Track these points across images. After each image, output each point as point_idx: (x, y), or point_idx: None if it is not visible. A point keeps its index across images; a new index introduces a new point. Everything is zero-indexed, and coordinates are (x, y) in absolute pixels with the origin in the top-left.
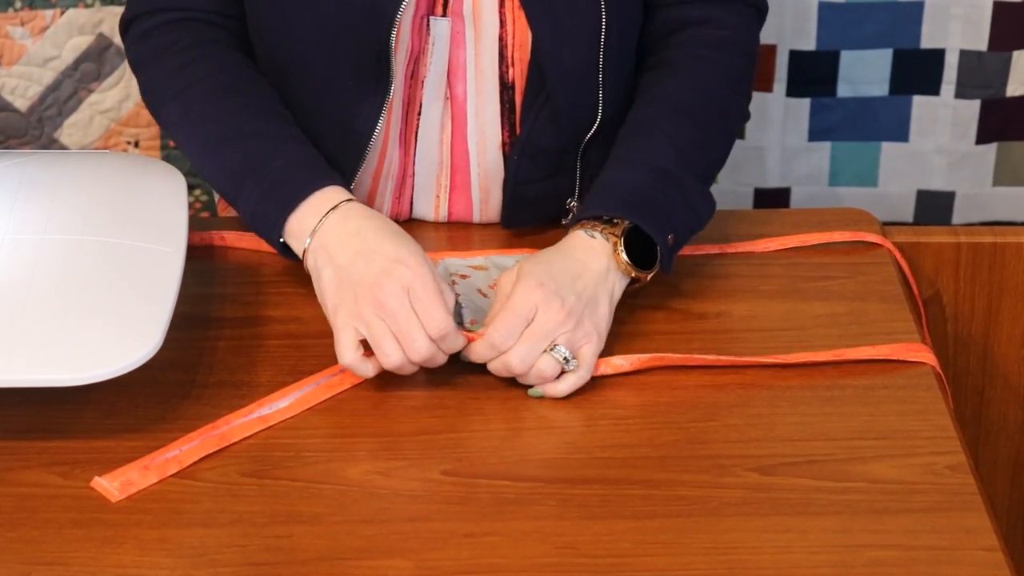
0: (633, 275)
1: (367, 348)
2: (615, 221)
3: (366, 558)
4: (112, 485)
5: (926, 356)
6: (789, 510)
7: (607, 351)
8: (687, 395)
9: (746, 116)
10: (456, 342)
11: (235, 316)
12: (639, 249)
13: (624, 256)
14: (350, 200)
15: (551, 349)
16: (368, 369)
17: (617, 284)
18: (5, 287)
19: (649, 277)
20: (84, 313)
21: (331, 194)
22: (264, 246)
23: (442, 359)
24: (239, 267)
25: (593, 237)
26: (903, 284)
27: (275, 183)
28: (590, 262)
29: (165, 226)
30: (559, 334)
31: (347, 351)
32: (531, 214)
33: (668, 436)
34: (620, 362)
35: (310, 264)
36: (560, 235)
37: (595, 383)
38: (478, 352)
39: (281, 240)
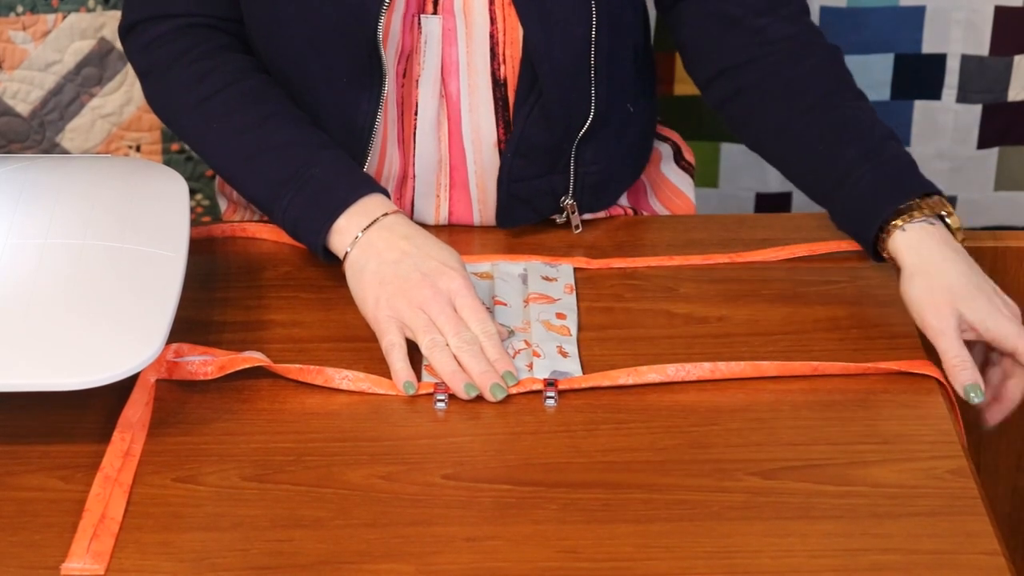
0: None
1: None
2: (914, 203)
3: (367, 562)
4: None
5: (931, 370)
6: (790, 514)
7: (616, 363)
8: (688, 399)
9: None
10: (501, 354)
11: (237, 320)
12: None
13: (955, 216)
14: (398, 212)
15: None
16: (406, 372)
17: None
18: (7, 291)
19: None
20: (86, 317)
21: (378, 201)
22: (283, 236)
23: (491, 377)
24: (241, 271)
25: (933, 224)
26: None
27: (318, 190)
28: (953, 244)
29: (167, 230)
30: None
31: (394, 340)
32: (526, 212)
33: (669, 440)
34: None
35: (352, 259)
36: (554, 236)
37: (597, 387)
38: (957, 376)
39: (324, 246)
